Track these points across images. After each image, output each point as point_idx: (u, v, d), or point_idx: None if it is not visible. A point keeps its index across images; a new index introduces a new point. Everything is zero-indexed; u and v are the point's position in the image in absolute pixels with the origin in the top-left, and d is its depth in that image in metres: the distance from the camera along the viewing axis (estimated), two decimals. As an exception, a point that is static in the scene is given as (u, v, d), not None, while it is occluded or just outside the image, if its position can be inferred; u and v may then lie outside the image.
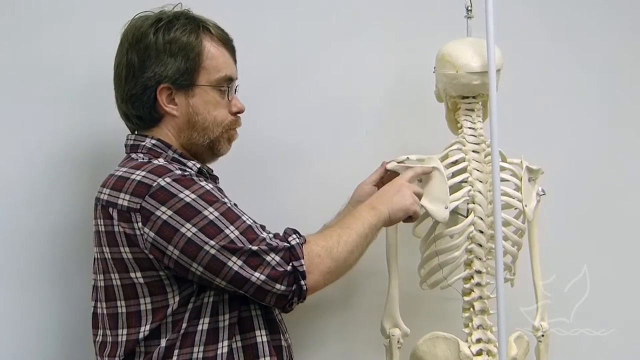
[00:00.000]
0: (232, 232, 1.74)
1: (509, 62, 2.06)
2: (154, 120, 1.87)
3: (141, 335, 1.78)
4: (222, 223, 1.74)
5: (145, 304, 1.78)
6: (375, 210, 1.89)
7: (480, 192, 2.02)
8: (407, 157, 2.03)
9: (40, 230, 2.09)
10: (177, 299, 1.78)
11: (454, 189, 2.03)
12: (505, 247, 2.02)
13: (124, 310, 1.79)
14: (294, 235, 1.79)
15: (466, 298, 2.06)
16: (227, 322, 1.80)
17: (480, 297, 2.05)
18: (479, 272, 2.04)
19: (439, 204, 2.00)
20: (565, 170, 2.40)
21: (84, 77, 2.10)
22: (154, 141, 1.86)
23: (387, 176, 2.05)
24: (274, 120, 2.24)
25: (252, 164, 2.21)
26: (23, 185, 2.08)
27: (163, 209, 1.73)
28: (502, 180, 2.01)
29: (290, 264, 1.75)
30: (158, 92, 1.84)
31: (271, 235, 1.78)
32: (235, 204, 1.81)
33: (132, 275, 1.78)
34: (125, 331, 1.79)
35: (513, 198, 2.06)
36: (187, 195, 1.74)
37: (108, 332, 1.82)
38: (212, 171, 1.94)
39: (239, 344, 1.82)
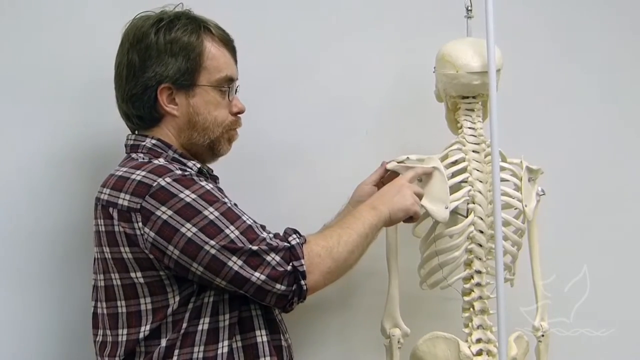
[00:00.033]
0: (232, 232, 1.74)
1: (509, 62, 2.06)
2: (154, 120, 1.87)
3: (141, 335, 1.78)
4: (222, 223, 1.74)
5: (146, 303, 1.78)
6: (375, 210, 1.89)
7: (480, 192, 2.02)
8: (407, 157, 2.03)
9: (41, 230, 2.09)
10: (177, 298, 1.78)
11: (454, 189, 2.03)
12: (505, 247, 2.02)
13: (124, 310, 1.79)
14: (294, 235, 1.79)
15: (466, 298, 2.06)
16: (227, 322, 1.80)
17: (480, 297, 2.05)
18: (479, 272, 2.04)
19: (439, 204, 2.00)
20: (565, 170, 2.40)
21: (84, 77, 2.10)
22: (154, 141, 1.86)
23: (387, 176, 2.05)
24: (274, 120, 2.24)
25: (252, 163, 2.21)
26: (23, 185, 2.08)
27: (163, 208, 1.73)
28: (502, 180, 2.01)
29: (291, 263, 1.75)
30: (159, 92, 1.84)
31: (271, 235, 1.78)
32: (235, 204, 1.81)
33: (133, 275, 1.78)
34: (125, 331, 1.79)
35: (513, 198, 2.06)
36: (188, 195, 1.74)
37: (108, 332, 1.82)
38: (212, 171, 1.94)
39: (239, 343, 1.82)
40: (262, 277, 1.73)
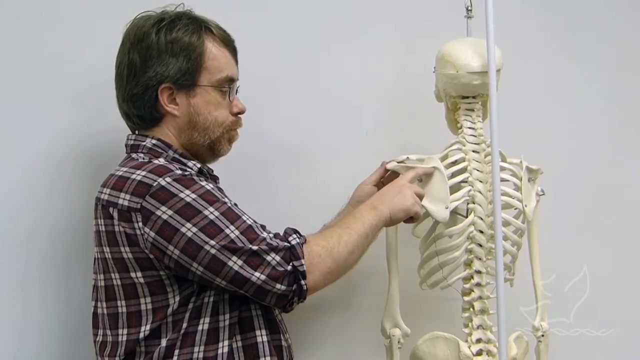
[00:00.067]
0: (232, 231, 1.74)
1: (509, 62, 2.06)
2: (154, 120, 1.87)
3: (141, 335, 1.78)
4: (223, 223, 1.74)
5: (146, 303, 1.78)
6: (376, 211, 1.89)
7: (480, 192, 2.02)
8: (407, 157, 2.03)
9: (41, 230, 2.09)
10: (177, 298, 1.78)
11: (454, 189, 2.03)
12: (505, 247, 2.02)
13: (124, 310, 1.79)
14: (294, 235, 1.79)
15: (466, 298, 2.06)
16: (227, 322, 1.80)
17: (480, 297, 2.05)
18: (478, 272, 2.04)
19: (439, 204, 2.00)
20: (565, 170, 2.40)
21: (84, 77, 2.10)
22: (154, 141, 1.86)
23: (387, 176, 2.05)
24: (274, 120, 2.24)
25: (252, 164, 2.21)
26: (23, 185, 2.08)
27: (163, 208, 1.73)
28: (502, 180, 2.01)
29: (291, 263, 1.75)
30: (159, 91, 1.84)
31: (271, 235, 1.78)
32: (235, 204, 1.81)
33: (133, 275, 1.78)
34: (125, 331, 1.79)
35: (513, 198, 2.06)
36: (188, 195, 1.74)
37: (108, 332, 1.82)
38: (213, 171, 1.94)
39: (240, 343, 1.82)
40: (262, 277, 1.73)
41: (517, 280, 2.12)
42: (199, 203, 1.74)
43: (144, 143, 1.86)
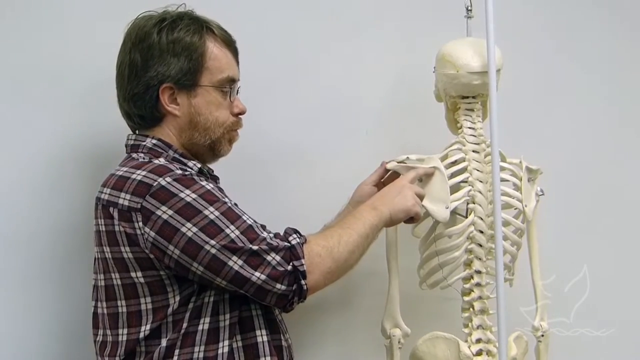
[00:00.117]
0: (232, 231, 1.74)
1: (509, 62, 2.06)
2: (155, 120, 1.87)
3: (142, 335, 1.78)
4: (223, 223, 1.74)
5: (146, 303, 1.78)
6: (376, 211, 1.89)
7: (480, 192, 2.02)
8: (407, 157, 2.03)
9: (41, 230, 2.09)
10: (177, 298, 1.78)
11: (454, 189, 2.03)
12: (505, 247, 2.02)
13: (124, 309, 1.79)
14: (295, 235, 1.79)
15: (466, 298, 2.06)
16: (227, 322, 1.80)
17: (480, 297, 2.05)
18: (478, 272, 2.04)
19: (439, 204, 2.00)
20: (565, 170, 2.40)
21: (84, 77, 2.10)
22: (154, 141, 1.86)
23: (388, 176, 2.05)
24: (274, 121, 2.24)
25: (252, 164, 2.21)
26: (24, 185, 2.08)
27: (164, 208, 1.73)
28: (502, 180, 2.01)
29: (291, 263, 1.75)
30: (160, 91, 1.84)
31: (272, 235, 1.78)
32: (235, 204, 1.81)
33: (133, 274, 1.78)
34: (125, 331, 1.79)
35: (513, 198, 2.06)
36: (188, 195, 1.74)
37: (108, 331, 1.82)
38: (213, 171, 1.94)
39: (240, 343, 1.82)
40: (263, 276, 1.73)
41: (517, 280, 2.12)
42: (199, 203, 1.74)
43: (144, 143, 1.86)
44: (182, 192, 1.74)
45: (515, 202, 2.07)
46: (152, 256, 1.75)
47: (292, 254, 1.75)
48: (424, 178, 2.01)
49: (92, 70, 2.08)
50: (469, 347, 2.03)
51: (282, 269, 1.74)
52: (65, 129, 2.10)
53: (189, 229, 1.73)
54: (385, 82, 2.32)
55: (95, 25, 2.11)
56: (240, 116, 1.94)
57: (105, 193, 1.80)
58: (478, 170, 2.03)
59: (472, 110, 2.08)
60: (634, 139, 2.52)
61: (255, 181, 2.23)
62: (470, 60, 2.01)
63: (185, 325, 1.78)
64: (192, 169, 1.85)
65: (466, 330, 2.06)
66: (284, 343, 1.88)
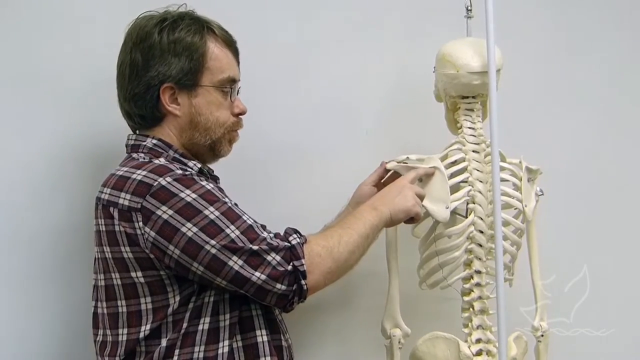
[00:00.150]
0: (232, 231, 1.74)
1: (509, 62, 2.06)
2: (156, 120, 1.87)
3: (142, 335, 1.78)
4: (223, 222, 1.74)
5: (146, 303, 1.78)
6: (376, 211, 1.89)
7: (480, 192, 2.02)
8: (407, 157, 2.03)
9: (42, 230, 2.09)
10: (177, 298, 1.78)
11: (454, 189, 2.03)
12: (505, 247, 2.02)
13: (124, 309, 1.79)
14: (295, 235, 1.79)
15: (466, 298, 2.06)
16: (227, 322, 1.80)
17: (480, 297, 2.05)
18: (478, 272, 2.04)
19: (439, 204, 2.00)
20: (565, 170, 2.40)
21: (84, 77, 2.10)
22: (154, 141, 1.86)
23: (388, 176, 2.05)
24: (274, 121, 2.24)
25: (252, 164, 2.21)
26: (24, 185, 2.08)
27: (164, 208, 1.73)
28: (502, 180, 2.01)
29: (291, 263, 1.75)
30: (161, 91, 1.84)
31: (272, 235, 1.78)
32: (235, 204, 1.81)
33: (133, 274, 1.78)
34: (125, 331, 1.79)
35: (513, 198, 2.06)
36: (188, 195, 1.74)
37: (108, 331, 1.82)
38: (213, 171, 1.94)
39: (240, 343, 1.82)
40: (263, 276, 1.73)
41: (516, 280, 2.12)
42: (199, 203, 1.74)
43: (144, 143, 1.86)
44: (182, 192, 1.74)
45: (515, 202, 2.07)
46: (152, 256, 1.75)
47: (292, 254, 1.75)
48: (424, 178, 2.01)
49: (92, 70, 2.09)
50: (469, 347, 2.03)
51: (282, 269, 1.74)
52: (65, 129, 2.10)
53: (189, 229, 1.73)
54: (385, 82, 2.32)
55: (95, 25, 2.11)
56: (240, 116, 1.94)
57: (106, 193, 1.80)
58: (478, 170, 2.03)
59: (472, 110, 2.08)
60: (633, 139, 2.52)
61: (255, 181, 2.23)
62: (470, 60, 2.02)
63: (185, 325, 1.78)
64: (192, 169, 1.85)
65: (466, 330, 2.06)
66: (284, 343, 1.88)
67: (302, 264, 1.75)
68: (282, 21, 2.26)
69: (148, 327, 1.78)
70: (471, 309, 2.05)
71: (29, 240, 2.09)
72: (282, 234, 1.80)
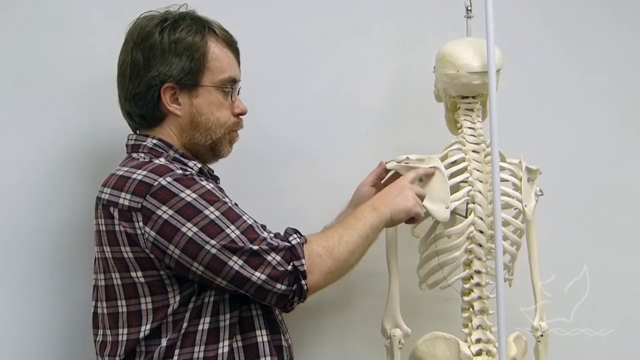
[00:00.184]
0: (232, 231, 1.74)
1: (509, 62, 2.06)
2: (156, 120, 1.87)
3: (142, 335, 1.78)
4: (223, 222, 1.74)
5: (146, 303, 1.78)
6: (377, 211, 1.89)
7: (480, 192, 2.02)
8: (407, 157, 2.03)
9: (42, 230, 2.09)
10: (177, 298, 1.78)
11: (454, 189, 2.03)
12: (505, 247, 2.02)
13: (124, 309, 1.79)
14: (295, 235, 1.79)
15: (465, 298, 2.06)
16: (227, 322, 1.80)
17: (480, 297, 2.05)
18: (478, 272, 2.04)
19: (439, 204, 2.00)
20: (565, 170, 2.40)
21: (85, 77, 2.10)
22: (155, 141, 1.86)
23: (388, 176, 2.05)
24: (274, 121, 2.24)
25: (252, 164, 2.21)
26: (25, 185, 2.08)
27: (164, 208, 1.73)
28: (502, 180, 2.01)
29: (291, 263, 1.75)
30: (162, 91, 1.85)
31: (272, 235, 1.78)
32: (236, 204, 1.81)
33: (133, 274, 1.78)
34: (125, 330, 1.79)
35: (513, 198, 2.06)
36: (188, 195, 1.74)
37: (108, 331, 1.82)
38: (213, 171, 1.94)
39: (240, 343, 1.82)
40: (263, 276, 1.73)
41: (516, 280, 2.12)
42: (199, 203, 1.74)
43: (144, 143, 1.86)
44: (182, 192, 1.75)
45: (515, 202, 2.07)
46: (152, 256, 1.75)
47: (292, 254, 1.75)
48: (424, 178, 2.01)
49: (92, 70, 2.09)
50: (469, 347, 2.03)
51: (282, 269, 1.74)
52: (66, 129, 2.10)
53: (189, 229, 1.73)
54: (385, 82, 2.33)
55: (95, 25, 2.11)
56: (241, 117, 1.94)
57: (106, 193, 1.80)
58: (478, 170, 2.03)
59: (472, 110, 2.08)
60: (634, 139, 2.52)
61: (255, 181, 2.23)
62: (470, 60, 2.02)
63: (185, 325, 1.78)
64: (192, 168, 1.85)
65: (466, 330, 2.06)
66: (284, 343, 1.88)
67: (302, 264, 1.75)
68: (282, 21, 2.26)
69: (148, 327, 1.78)
70: (471, 309, 2.05)
71: (29, 240, 2.09)
72: (282, 234, 1.80)
